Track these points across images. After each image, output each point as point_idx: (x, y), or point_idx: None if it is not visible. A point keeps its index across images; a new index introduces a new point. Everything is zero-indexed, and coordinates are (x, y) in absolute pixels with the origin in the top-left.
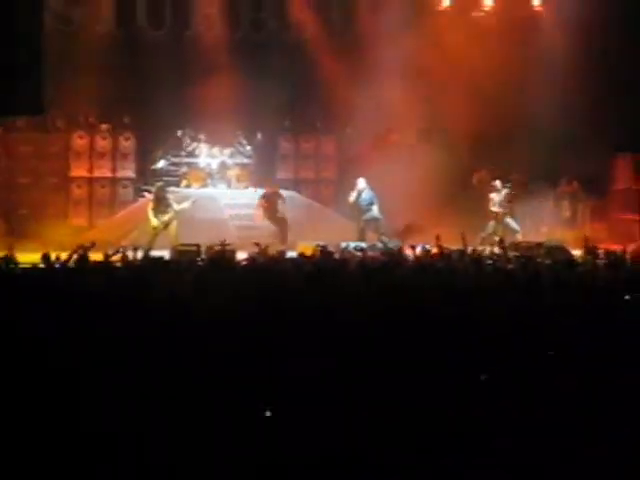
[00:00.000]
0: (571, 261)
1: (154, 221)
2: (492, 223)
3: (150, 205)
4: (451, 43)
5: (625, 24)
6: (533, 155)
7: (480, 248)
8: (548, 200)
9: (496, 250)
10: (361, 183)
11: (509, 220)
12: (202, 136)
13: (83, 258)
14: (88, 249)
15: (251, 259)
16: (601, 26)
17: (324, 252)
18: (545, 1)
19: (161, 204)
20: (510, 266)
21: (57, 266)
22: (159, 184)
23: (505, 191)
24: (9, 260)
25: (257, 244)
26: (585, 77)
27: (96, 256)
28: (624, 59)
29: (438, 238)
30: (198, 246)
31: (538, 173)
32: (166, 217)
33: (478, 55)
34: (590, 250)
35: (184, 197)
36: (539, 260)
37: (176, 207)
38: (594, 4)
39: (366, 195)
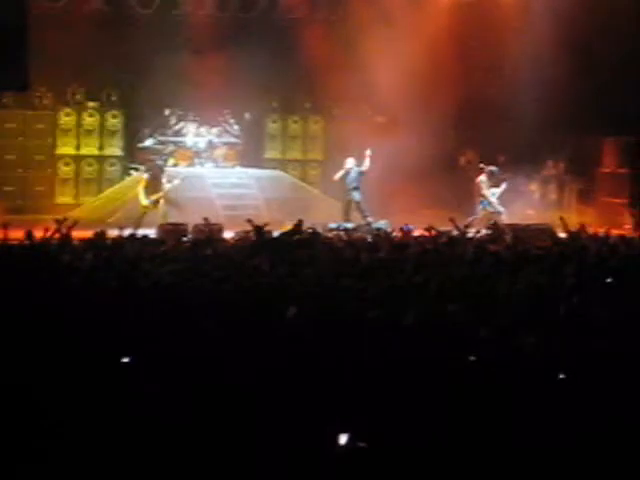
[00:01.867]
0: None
1: (144, 200)
2: (481, 206)
3: (142, 184)
4: (439, 24)
5: (611, 7)
6: (519, 137)
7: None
8: (534, 182)
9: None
10: (349, 163)
11: (496, 203)
12: (190, 115)
13: (66, 236)
14: (71, 227)
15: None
16: (587, 8)
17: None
18: None
19: (154, 183)
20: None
21: (40, 243)
22: (157, 162)
23: (491, 173)
24: None
25: (250, 221)
26: (573, 59)
27: (81, 234)
28: (612, 41)
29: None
30: (184, 225)
31: (524, 155)
32: (155, 196)
33: (465, 35)
34: (574, 233)
35: (172, 176)
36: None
37: (166, 186)
38: None
39: (354, 174)
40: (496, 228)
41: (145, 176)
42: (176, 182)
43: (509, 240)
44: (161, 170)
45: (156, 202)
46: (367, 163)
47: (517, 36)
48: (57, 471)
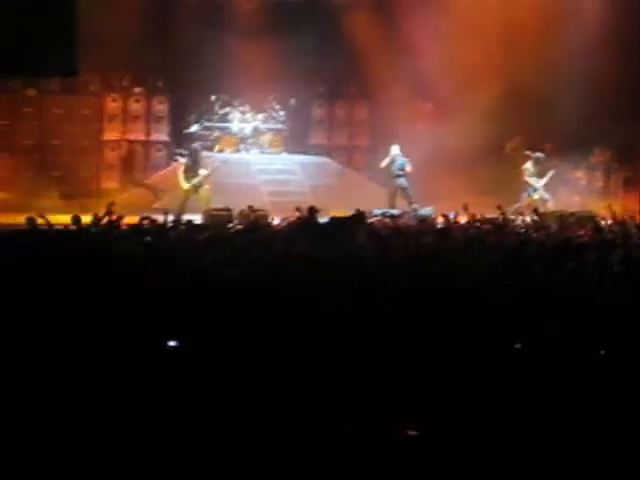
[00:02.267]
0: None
1: (185, 184)
2: (526, 194)
3: (182, 168)
4: (485, 11)
5: None
6: (566, 125)
7: (514, 217)
8: (581, 170)
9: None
10: (394, 150)
11: (542, 190)
12: (235, 101)
13: (114, 221)
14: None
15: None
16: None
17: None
18: None
19: (194, 167)
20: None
21: (89, 228)
22: (194, 145)
23: (537, 160)
24: (34, 221)
25: (298, 209)
26: (619, 47)
27: (129, 220)
28: None
29: (466, 207)
30: (230, 210)
31: (571, 143)
32: (196, 180)
33: (513, 25)
34: (620, 221)
35: (209, 161)
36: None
37: (203, 172)
38: None
39: (399, 162)
40: (539, 215)
41: (184, 160)
42: (210, 169)
43: (553, 228)
44: (199, 154)
45: (197, 186)
46: (409, 167)
47: (565, 24)
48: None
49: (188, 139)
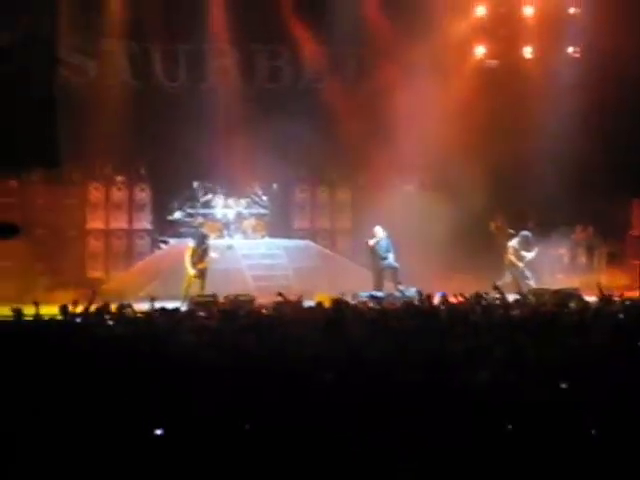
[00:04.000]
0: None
1: (191, 270)
2: (508, 272)
3: (188, 252)
4: (464, 89)
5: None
6: (547, 202)
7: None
8: (564, 247)
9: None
10: (379, 231)
11: (523, 268)
12: (218, 187)
13: (103, 309)
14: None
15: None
16: (618, 80)
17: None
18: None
19: (199, 252)
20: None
21: (76, 319)
22: (201, 230)
23: (525, 238)
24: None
25: (280, 294)
26: (603, 122)
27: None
28: (637, 105)
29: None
30: (215, 296)
31: (554, 219)
32: (201, 266)
33: (491, 100)
34: (605, 297)
35: (215, 246)
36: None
37: (212, 255)
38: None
39: (383, 243)
40: (521, 294)
41: (191, 244)
42: (217, 253)
43: (535, 305)
44: (205, 239)
45: (202, 271)
46: (374, 239)
47: (544, 101)
48: None
49: (171, 226)
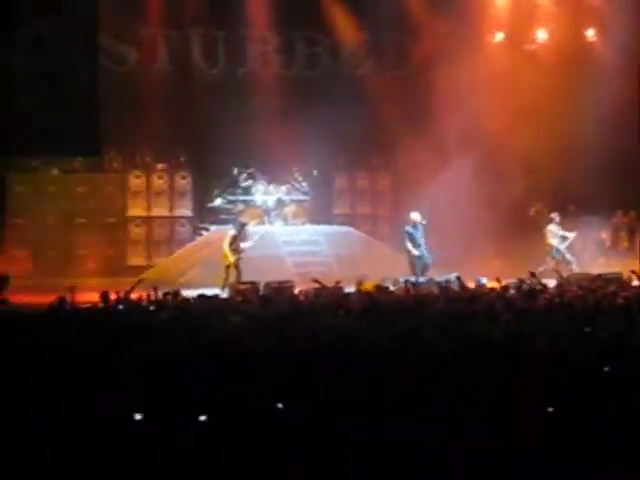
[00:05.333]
0: None
1: (231, 256)
2: (549, 256)
3: (228, 240)
4: (505, 75)
5: None
6: (589, 186)
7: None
8: (605, 231)
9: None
10: (415, 217)
11: (565, 252)
12: (258, 174)
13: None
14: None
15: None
16: None
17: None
18: (598, 32)
19: (238, 240)
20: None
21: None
22: (241, 219)
23: (561, 222)
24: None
25: (316, 280)
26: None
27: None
28: None
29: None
30: (255, 283)
31: (594, 204)
32: (241, 254)
33: (534, 86)
34: None
35: (249, 235)
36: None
37: (247, 244)
38: None
39: (421, 228)
40: (563, 279)
41: (231, 232)
42: (250, 242)
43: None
44: (243, 227)
45: (238, 260)
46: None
47: (587, 84)
48: None
49: (211, 213)
